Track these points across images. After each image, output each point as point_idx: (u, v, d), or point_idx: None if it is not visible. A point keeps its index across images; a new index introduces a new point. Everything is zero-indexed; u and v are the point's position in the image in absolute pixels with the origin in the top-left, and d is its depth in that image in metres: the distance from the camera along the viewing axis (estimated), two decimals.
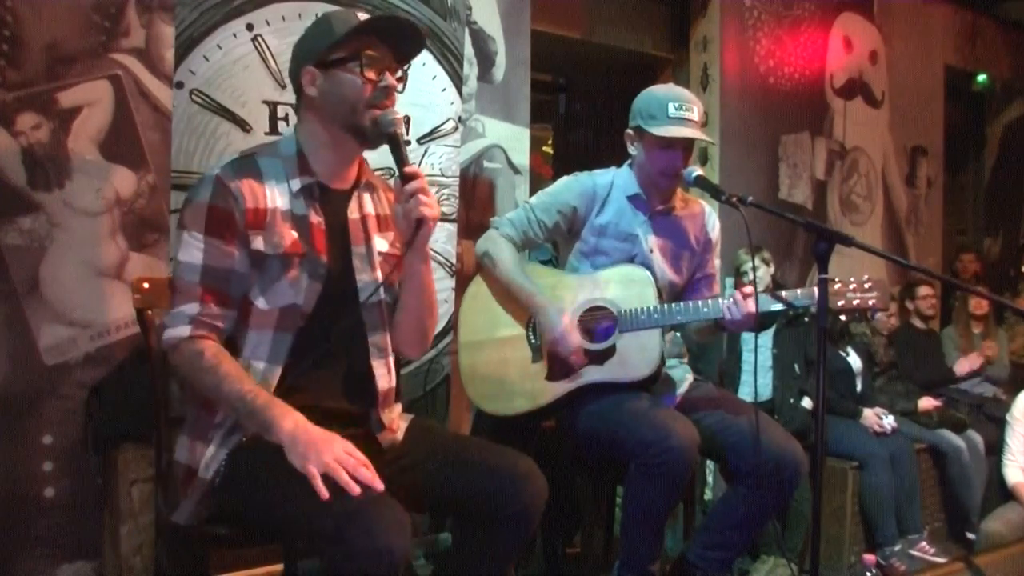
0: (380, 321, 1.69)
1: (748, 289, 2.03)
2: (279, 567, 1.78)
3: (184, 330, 1.52)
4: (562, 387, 2.14)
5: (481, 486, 1.60)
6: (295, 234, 1.58)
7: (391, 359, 1.73)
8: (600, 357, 2.13)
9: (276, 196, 1.58)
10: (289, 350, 1.58)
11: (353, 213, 1.69)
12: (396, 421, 1.74)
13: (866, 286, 1.96)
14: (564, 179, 2.30)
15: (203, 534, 1.58)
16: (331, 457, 1.38)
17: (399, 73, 1.65)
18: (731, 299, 2.03)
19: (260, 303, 1.57)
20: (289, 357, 1.58)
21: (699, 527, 2.24)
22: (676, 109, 2.12)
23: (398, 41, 1.63)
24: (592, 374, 2.13)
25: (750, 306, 2.00)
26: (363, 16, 1.61)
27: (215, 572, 1.71)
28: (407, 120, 2.50)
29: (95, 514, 2.49)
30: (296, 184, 1.60)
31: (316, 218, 1.62)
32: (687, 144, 2.16)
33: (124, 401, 2.46)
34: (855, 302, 1.96)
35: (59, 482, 2.49)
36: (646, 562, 2.04)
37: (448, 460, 1.65)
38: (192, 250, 1.53)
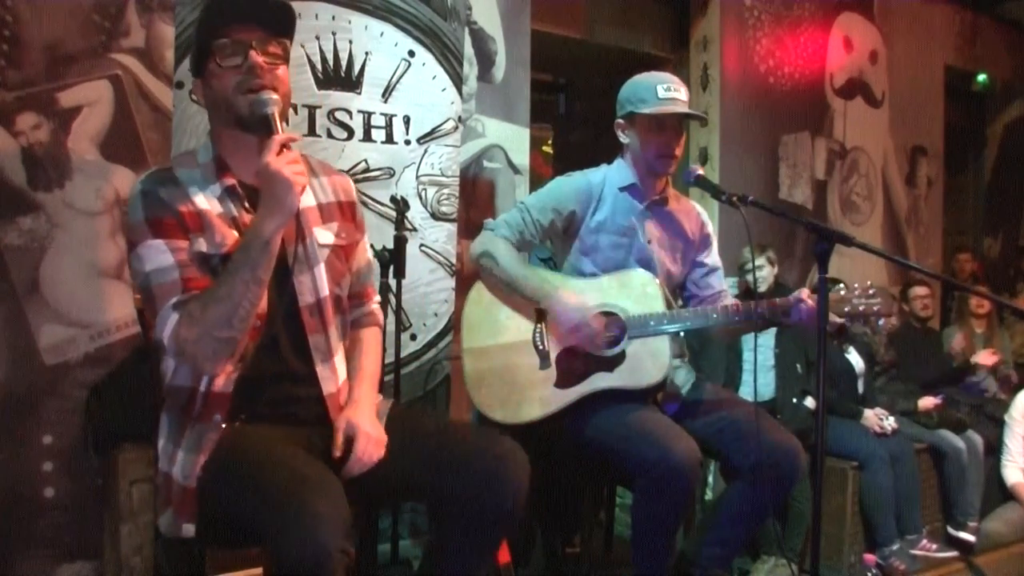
0: (322, 322, 1.60)
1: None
2: None
3: (173, 318, 1.43)
4: (572, 393, 2.10)
5: (458, 485, 1.54)
6: (236, 233, 1.51)
7: (337, 358, 1.64)
8: (610, 363, 2.09)
9: (203, 201, 1.52)
10: (249, 358, 1.52)
11: None
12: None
13: (870, 292, 1.96)
14: (558, 180, 2.27)
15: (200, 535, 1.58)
16: None
17: (278, 47, 1.55)
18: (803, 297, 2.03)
19: None
20: (248, 366, 1.52)
21: (698, 524, 2.24)
22: (665, 91, 2.12)
23: (260, 17, 1.53)
24: (602, 380, 2.09)
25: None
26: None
27: (214, 572, 1.71)
28: (407, 120, 2.50)
29: (95, 514, 2.49)
30: (217, 188, 1.54)
31: (247, 217, 1.54)
32: (680, 124, 2.16)
33: (124, 401, 2.46)
34: (860, 308, 1.97)
35: (59, 482, 2.49)
36: (658, 574, 2.03)
37: (424, 455, 1.59)
38: (154, 255, 1.45)
